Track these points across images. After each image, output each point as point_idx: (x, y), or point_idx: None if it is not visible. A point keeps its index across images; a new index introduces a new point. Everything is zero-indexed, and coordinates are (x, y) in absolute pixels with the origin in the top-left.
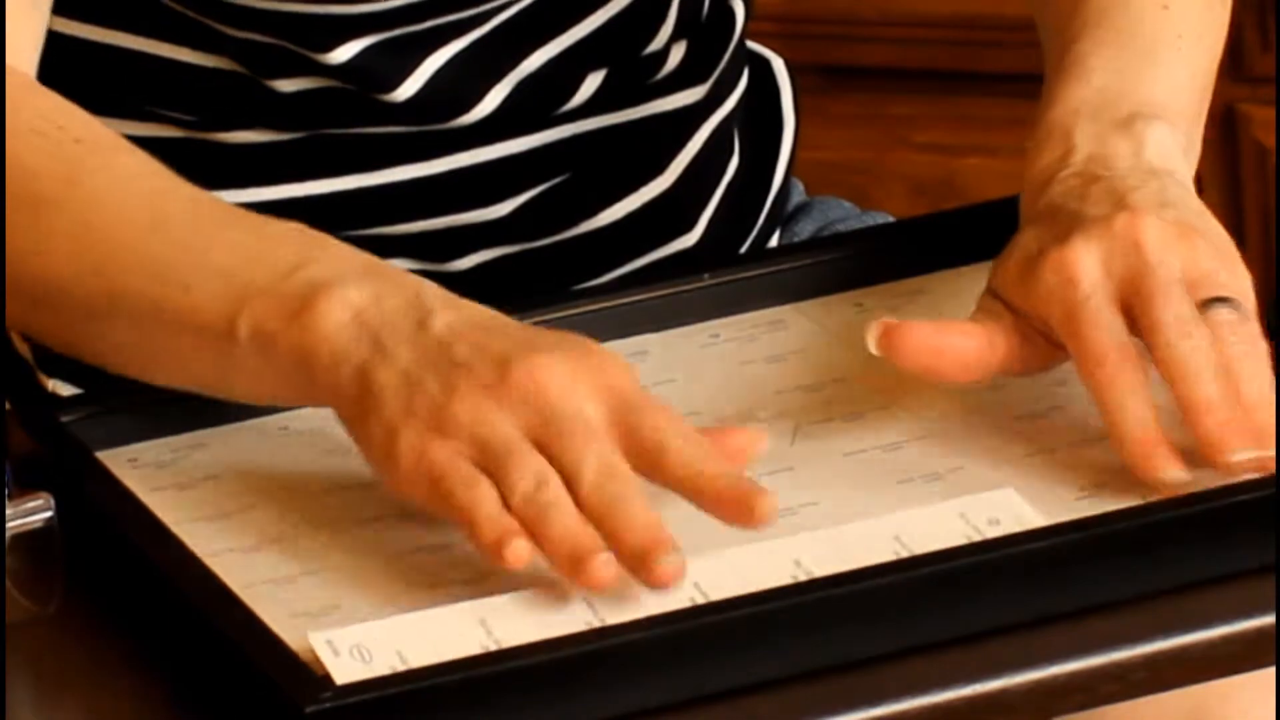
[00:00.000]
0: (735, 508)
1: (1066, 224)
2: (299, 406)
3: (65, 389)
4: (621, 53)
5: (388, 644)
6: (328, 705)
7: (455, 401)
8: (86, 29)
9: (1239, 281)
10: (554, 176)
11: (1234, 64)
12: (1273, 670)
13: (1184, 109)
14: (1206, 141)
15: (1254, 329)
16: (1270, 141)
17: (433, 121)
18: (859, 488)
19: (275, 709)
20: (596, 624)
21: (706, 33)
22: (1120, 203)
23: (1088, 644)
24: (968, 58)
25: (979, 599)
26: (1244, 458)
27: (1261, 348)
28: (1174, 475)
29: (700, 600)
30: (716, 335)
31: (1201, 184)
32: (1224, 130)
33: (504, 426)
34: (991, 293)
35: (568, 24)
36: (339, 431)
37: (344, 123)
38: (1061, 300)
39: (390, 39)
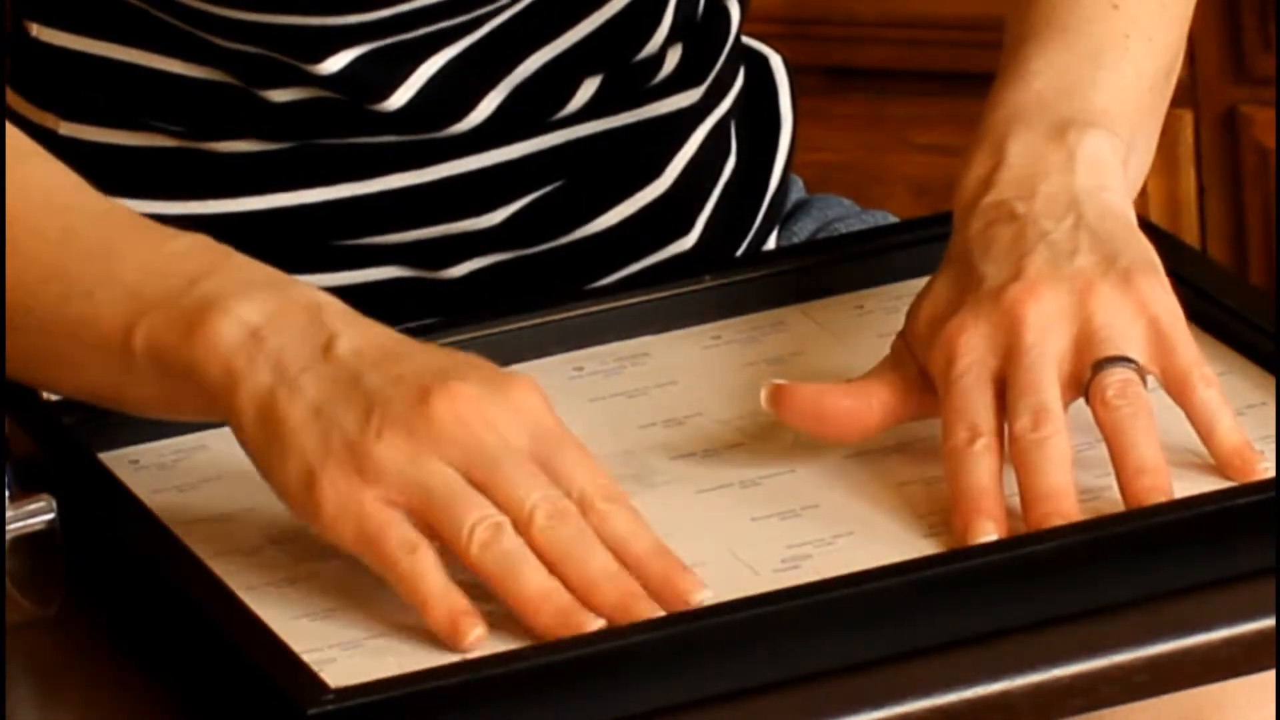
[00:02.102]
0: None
1: (966, 284)
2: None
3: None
4: (617, 57)
5: None
6: (329, 707)
7: (375, 439)
8: (78, 40)
9: (1161, 307)
10: (549, 183)
11: (1234, 65)
12: (1272, 673)
13: (1127, 113)
14: (1208, 143)
15: (1140, 390)
16: (1271, 142)
17: (426, 130)
18: (860, 490)
19: (276, 711)
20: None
21: (702, 34)
22: (1018, 268)
23: (1089, 647)
24: (969, 59)
25: (980, 601)
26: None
27: (1146, 406)
28: (984, 539)
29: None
30: (718, 337)
31: (1202, 186)
32: (1225, 131)
33: (436, 467)
34: (904, 339)
35: (562, 29)
36: None
37: (337, 132)
38: (943, 375)
39: (381, 48)
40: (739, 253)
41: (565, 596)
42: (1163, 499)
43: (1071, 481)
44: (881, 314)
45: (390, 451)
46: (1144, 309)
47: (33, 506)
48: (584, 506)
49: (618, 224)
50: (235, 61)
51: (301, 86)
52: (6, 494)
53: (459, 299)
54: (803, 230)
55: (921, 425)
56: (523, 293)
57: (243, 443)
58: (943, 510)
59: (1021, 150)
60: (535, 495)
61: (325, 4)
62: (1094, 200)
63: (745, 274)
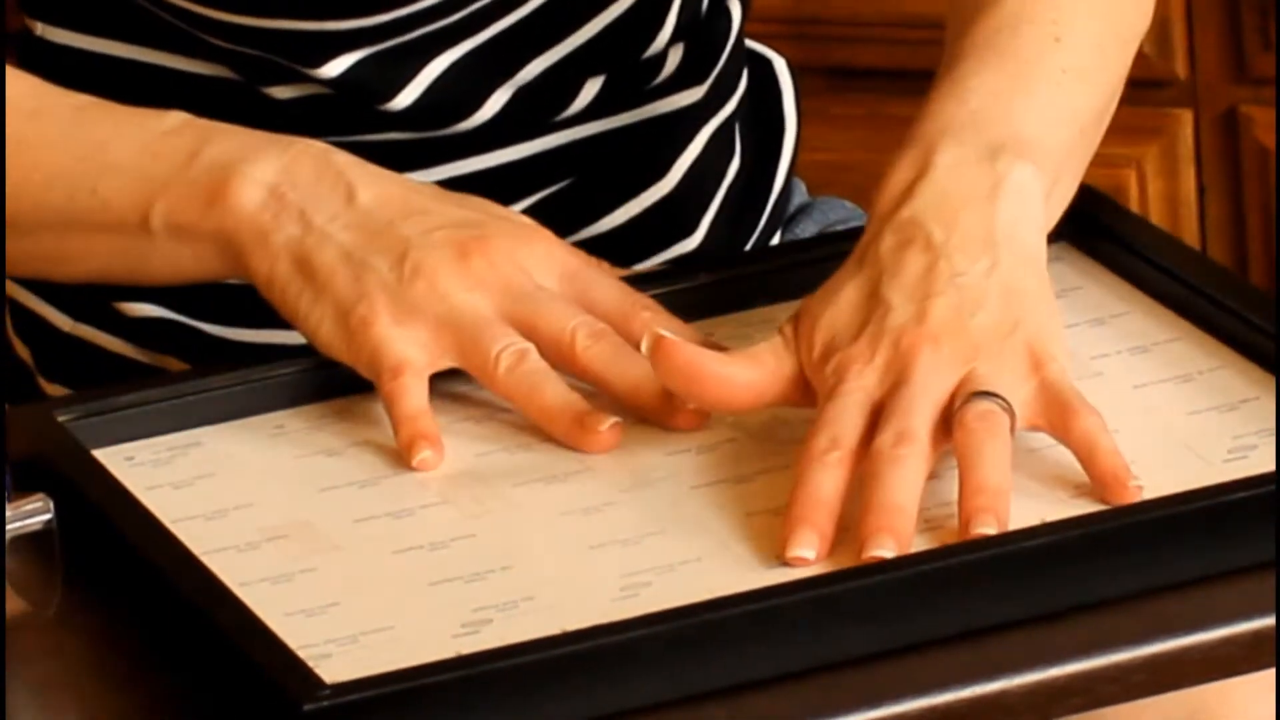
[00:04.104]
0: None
1: (872, 307)
2: (285, 391)
3: (64, 393)
4: (620, 58)
5: None
6: (325, 703)
7: (409, 282)
8: (83, 39)
9: (1054, 373)
10: (555, 182)
11: (1235, 65)
12: (1273, 671)
13: (1055, 147)
14: (1208, 143)
15: (1000, 420)
16: (1271, 143)
17: (432, 128)
18: (854, 486)
19: (273, 707)
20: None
21: (704, 33)
22: (922, 310)
23: (1088, 645)
24: None
25: (977, 598)
26: (878, 553)
27: (1002, 435)
28: (798, 552)
29: None
30: (710, 334)
31: (1202, 186)
32: (1225, 131)
33: (467, 304)
34: (795, 338)
35: (566, 31)
36: (334, 431)
37: (343, 130)
38: (827, 392)
39: (383, 50)
40: None
41: (583, 404)
42: (995, 526)
43: (914, 506)
44: None
45: (423, 292)
46: (1036, 372)
47: (30, 507)
48: (624, 320)
49: (624, 223)
50: (239, 60)
51: (307, 84)
52: (5, 495)
53: None
54: (805, 233)
55: None
56: None
57: (271, 297)
58: (939, 506)
59: (949, 165)
60: (574, 321)
61: (320, 9)
62: (1012, 244)
63: (740, 271)
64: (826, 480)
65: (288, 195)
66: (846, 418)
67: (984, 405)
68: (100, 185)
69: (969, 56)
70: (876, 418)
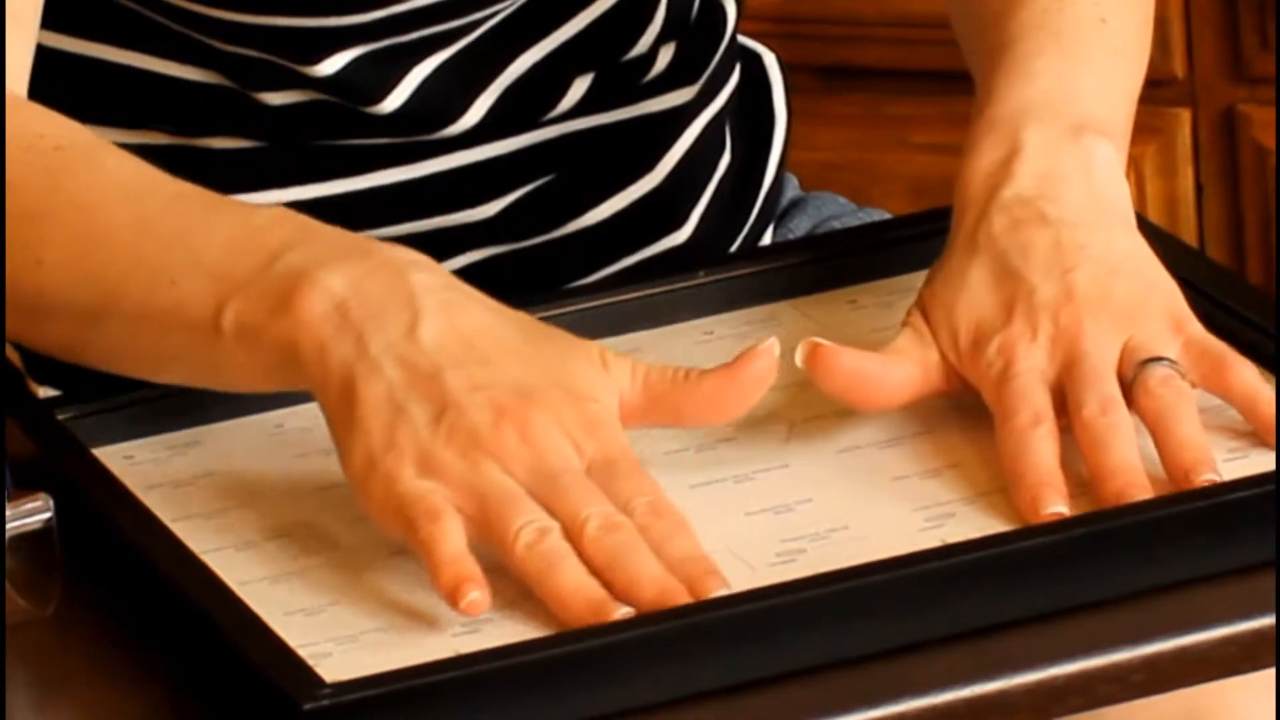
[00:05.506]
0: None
1: (1013, 291)
2: (288, 392)
3: (55, 395)
4: (608, 56)
5: None
6: (325, 702)
7: (442, 442)
8: (73, 43)
9: (1195, 329)
10: (542, 176)
11: (1233, 64)
12: (1272, 670)
13: (1120, 126)
14: (1206, 142)
15: (1182, 383)
16: (1270, 142)
17: (420, 132)
18: (854, 485)
19: (273, 706)
20: None
21: (696, 33)
22: (1067, 286)
23: (1087, 645)
24: None
25: (976, 597)
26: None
27: (1189, 395)
28: (1055, 509)
29: None
30: (710, 333)
31: (1200, 185)
32: (1223, 130)
33: (495, 474)
34: (929, 326)
35: (552, 29)
36: None
37: (331, 134)
38: (999, 375)
39: (377, 50)
40: (733, 249)
41: (599, 591)
42: (1210, 476)
43: (1140, 462)
44: (874, 309)
45: (453, 455)
46: (1180, 331)
47: (30, 505)
48: (632, 517)
49: (611, 217)
50: (230, 64)
51: (296, 89)
52: (5, 493)
53: None
54: (799, 228)
55: (914, 422)
56: (516, 287)
57: (325, 413)
58: (938, 505)
59: (1039, 144)
60: (590, 509)
61: (321, 5)
62: (1117, 216)
63: (739, 270)
64: (1045, 449)
65: (352, 312)
66: (1035, 393)
67: (1162, 370)
68: (180, 280)
69: (1024, 38)
70: (1054, 393)
